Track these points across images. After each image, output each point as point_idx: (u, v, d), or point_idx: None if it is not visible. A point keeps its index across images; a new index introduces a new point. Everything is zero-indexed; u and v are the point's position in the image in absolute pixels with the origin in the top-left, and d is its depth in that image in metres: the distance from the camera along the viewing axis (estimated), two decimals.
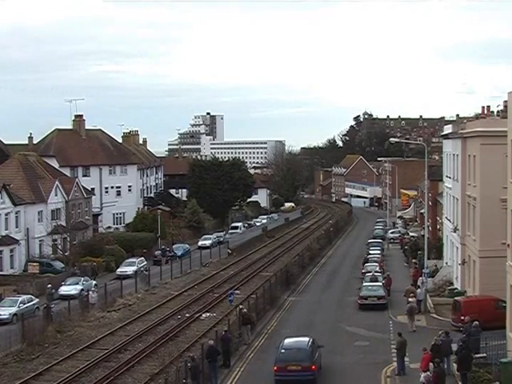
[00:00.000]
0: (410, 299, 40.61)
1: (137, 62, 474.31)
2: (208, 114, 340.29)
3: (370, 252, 67.43)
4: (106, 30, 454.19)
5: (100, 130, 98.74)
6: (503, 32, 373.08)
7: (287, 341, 31.53)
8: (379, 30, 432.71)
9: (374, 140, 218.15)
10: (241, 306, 41.00)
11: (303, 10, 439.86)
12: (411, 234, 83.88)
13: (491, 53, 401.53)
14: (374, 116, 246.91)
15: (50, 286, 50.33)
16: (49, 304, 44.73)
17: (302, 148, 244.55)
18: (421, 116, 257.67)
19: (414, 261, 58.59)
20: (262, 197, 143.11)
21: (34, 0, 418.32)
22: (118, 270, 63.30)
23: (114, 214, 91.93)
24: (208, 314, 43.26)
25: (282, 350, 30.35)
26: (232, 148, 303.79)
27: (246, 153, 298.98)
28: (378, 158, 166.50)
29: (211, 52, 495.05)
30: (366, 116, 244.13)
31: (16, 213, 64.74)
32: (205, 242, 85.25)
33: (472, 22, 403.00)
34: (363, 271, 56.57)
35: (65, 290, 52.52)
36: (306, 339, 31.45)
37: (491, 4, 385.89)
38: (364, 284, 48.71)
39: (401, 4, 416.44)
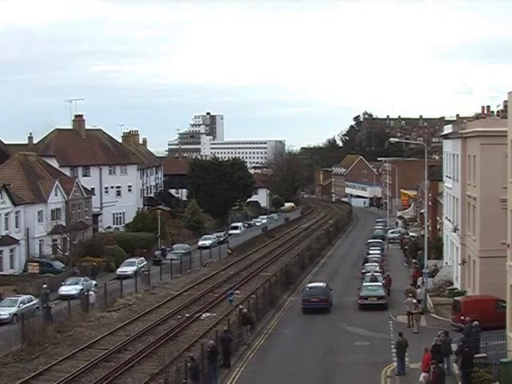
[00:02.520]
0: (413, 300, 40.32)
1: (136, 62, 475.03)
2: (208, 114, 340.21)
3: (370, 252, 67.40)
4: (105, 30, 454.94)
5: (100, 130, 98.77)
6: (501, 32, 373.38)
7: (309, 284, 49.22)
8: (379, 30, 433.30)
9: (373, 140, 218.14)
10: (241, 306, 41.00)
11: (303, 10, 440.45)
12: (411, 234, 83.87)
13: (490, 53, 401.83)
14: (374, 116, 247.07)
15: (45, 286, 50.23)
16: (48, 304, 44.71)
17: (302, 148, 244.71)
18: (421, 116, 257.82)
19: (414, 261, 58.58)
20: (262, 197, 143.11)
21: (33, 0, 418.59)
22: (118, 270, 63.32)
23: (113, 214, 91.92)
24: (208, 314, 43.27)
25: (307, 288, 46.88)
26: (232, 148, 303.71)
27: (246, 153, 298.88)
28: (378, 158, 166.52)
29: (211, 52, 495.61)
30: (366, 116, 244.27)
31: (16, 213, 64.75)
32: (205, 242, 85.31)
33: (470, 22, 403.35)
34: (363, 271, 56.56)
35: (65, 289, 52.51)
36: (322, 283, 48.17)
37: (489, 4, 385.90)
38: (364, 284, 48.71)
39: (400, 4, 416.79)
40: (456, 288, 47.58)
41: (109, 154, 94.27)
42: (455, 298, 40.43)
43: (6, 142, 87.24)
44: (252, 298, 45.39)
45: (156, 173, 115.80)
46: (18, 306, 45.57)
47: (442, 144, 71.15)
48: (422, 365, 28.49)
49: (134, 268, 62.28)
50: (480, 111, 50.87)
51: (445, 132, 57.83)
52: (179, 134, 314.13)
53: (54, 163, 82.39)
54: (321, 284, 47.92)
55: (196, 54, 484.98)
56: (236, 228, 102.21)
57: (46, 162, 78.87)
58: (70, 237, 66.74)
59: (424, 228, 60.27)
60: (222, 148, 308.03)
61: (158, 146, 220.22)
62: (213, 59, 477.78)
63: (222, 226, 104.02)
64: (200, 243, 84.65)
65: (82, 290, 52.02)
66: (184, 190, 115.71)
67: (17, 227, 64.92)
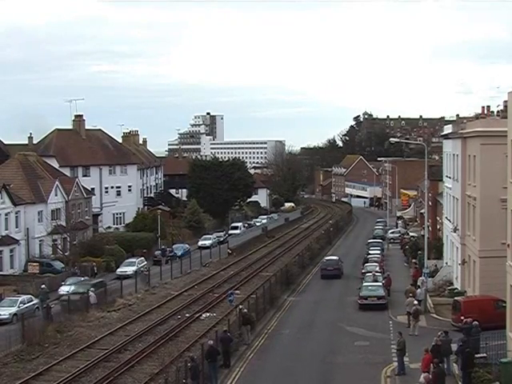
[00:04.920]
0: (415, 301, 40.20)
1: (136, 62, 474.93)
2: (208, 114, 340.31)
3: (370, 252, 67.36)
4: (104, 30, 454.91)
5: (100, 130, 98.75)
6: (501, 32, 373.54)
7: (326, 258, 65.70)
8: (379, 30, 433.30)
9: (373, 140, 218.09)
10: (241, 306, 40.98)
11: (303, 10, 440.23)
12: (411, 234, 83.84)
13: (490, 53, 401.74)
14: (374, 116, 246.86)
15: (43, 286, 50.26)
16: (48, 304, 44.72)
17: (302, 148, 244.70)
18: (421, 116, 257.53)
19: (414, 261, 58.53)
20: (262, 197, 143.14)
21: (33, 0, 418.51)
22: (118, 270, 63.31)
23: (114, 214, 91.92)
24: (208, 314, 43.28)
25: (324, 260, 63.60)
26: (232, 148, 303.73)
27: (246, 153, 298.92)
28: (378, 158, 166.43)
29: (211, 52, 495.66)
30: (366, 116, 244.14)
31: (16, 213, 64.73)
32: (205, 241, 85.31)
33: (470, 23, 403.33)
34: (363, 271, 56.56)
35: (65, 289, 52.48)
36: (336, 257, 64.88)
37: (489, 4, 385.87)
38: (364, 284, 48.72)
39: (400, 4, 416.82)
40: (456, 288, 47.59)
41: (109, 154, 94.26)
42: (455, 298, 40.42)
43: (6, 142, 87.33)
44: (252, 298, 45.40)
45: (156, 173, 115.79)
46: (18, 306, 45.53)
47: (442, 144, 71.11)
48: (421, 365, 28.47)
49: (134, 268, 62.26)
50: (480, 111, 50.81)
51: (445, 132, 57.82)
52: (179, 134, 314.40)
53: (54, 163, 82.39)
54: (335, 257, 64.38)
55: (196, 54, 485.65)
56: (236, 228, 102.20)
57: (46, 162, 78.87)
58: (70, 237, 66.75)
59: (424, 228, 60.26)
60: (222, 148, 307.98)
61: (158, 146, 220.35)
62: (213, 59, 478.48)
63: (222, 226, 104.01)
64: (200, 243, 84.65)
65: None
66: (184, 190, 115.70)
67: (17, 227, 64.91)
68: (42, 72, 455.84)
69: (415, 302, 39.71)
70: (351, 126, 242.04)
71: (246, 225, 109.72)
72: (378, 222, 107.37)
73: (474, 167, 44.02)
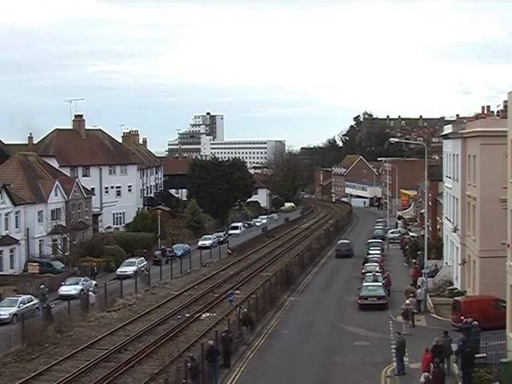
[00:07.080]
0: (407, 301, 40.30)
1: (135, 62, 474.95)
2: (208, 114, 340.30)
3: (370, 252, 67.39)
4: (104, 30, 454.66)
5: (100, 130, 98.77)
6: (499, 32, 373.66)
7: (339, 241, 79.31)
8: (378, 30, 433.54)
9: (373, 140, 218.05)
10: (242, 307, 40.93)
11: (302, 10, 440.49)
12: (411, 234, 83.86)
13: (487, 53, 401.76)
14: (374, 116, 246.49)
15: (43, 286, 50.23)
16: (48, 304, 44.71)
17: (302, 148, 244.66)
18: (421, 116, 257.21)
19: (413, 261, 58.54)
20: (261, 197, 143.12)
21: (32, 1, 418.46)
22: (118, 269, 63.29)
23: (113, 214, 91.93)
24: (208, 314, 43.28)
25: (339, 243, 77.43)
26: (232, 148, 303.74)
27: (246, 153, 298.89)
28: (378, 158, 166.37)
29: (211, 52, 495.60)
30: (366, 116, 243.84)
31: (16, 213, 64.72)
32: (205, 242, 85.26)
33: (468, 23, 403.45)
34: (363, 271, 56.58)
35: (65, 289, 52.49)
36: (348, 240, 79.41)
37: (487, 5, 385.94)
38: (364, 284, 48.72)
39: (400, 4, 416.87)
40: (456, 288, 47.60)
41: (109, 154, 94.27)
42: (455, 298, 40.41)
43: (6, 142, 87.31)
44: (252, 298, 45.40)
45: (156, 173, 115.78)
46: (18, 306, 45.49)
47: (442, 144, 71.11)
48: (421, 365, 28.47)
49: (134, 268, 62.26)
50: (480, 111, 50.82)
51: (445, 132, 57.81)
52: (179, 134, 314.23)
53: (54, 163, 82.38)
54: (347, 241, 78.88)
55: (195, 54, 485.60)
56: (236, 228, 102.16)
57: (46, 162, 78.84)
58: (70, 237, 66.73)
59: (424, 228, 60.22)
60: (221, 148, 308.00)
61: (158, 146, 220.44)
62: (212, 59, 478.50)
63: (222, 226, 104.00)
64: (200, 243, 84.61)
65: (81, 290, 52.03)
66: (184, 190, 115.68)
67: (17, 227, 64.88)
68: (42, 72, 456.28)
69: (407, 302, 39.79)
70: (351, 126, 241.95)
71: (246, 225, 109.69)
72: (378, 222, 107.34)
73: (474, 167, 44.01)
